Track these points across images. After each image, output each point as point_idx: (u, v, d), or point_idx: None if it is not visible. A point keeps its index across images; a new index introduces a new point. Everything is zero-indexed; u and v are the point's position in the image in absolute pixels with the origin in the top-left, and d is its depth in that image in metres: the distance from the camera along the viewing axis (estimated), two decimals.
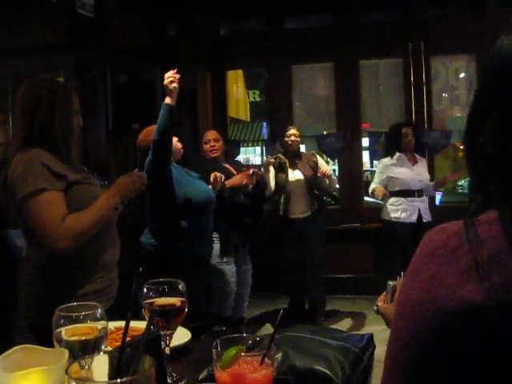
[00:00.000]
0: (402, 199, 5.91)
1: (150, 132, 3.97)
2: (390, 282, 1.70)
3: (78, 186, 2.39)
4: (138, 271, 1.43)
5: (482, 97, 0.86)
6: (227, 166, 5.19)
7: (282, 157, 5.84)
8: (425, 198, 5.98)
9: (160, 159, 3.72)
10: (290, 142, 5.85)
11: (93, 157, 5.49)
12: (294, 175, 5.81)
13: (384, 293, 1.76)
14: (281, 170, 5.80)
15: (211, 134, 5.24)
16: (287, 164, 5.82)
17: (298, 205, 5.81)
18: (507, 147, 0.79)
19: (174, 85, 3.56)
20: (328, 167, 5.95)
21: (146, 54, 6.82)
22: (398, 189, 5.92)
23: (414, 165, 6.01)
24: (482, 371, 0.72)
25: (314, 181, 5.79)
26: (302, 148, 6.92)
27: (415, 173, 5.94)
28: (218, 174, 4.50)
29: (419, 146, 6.36)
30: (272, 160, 5.70)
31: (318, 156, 6.07)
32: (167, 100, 3.60)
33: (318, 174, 5.76)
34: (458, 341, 0.73)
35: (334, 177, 5.99)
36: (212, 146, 5.10)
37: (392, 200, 5.98)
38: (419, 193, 5.91)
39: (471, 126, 0.86)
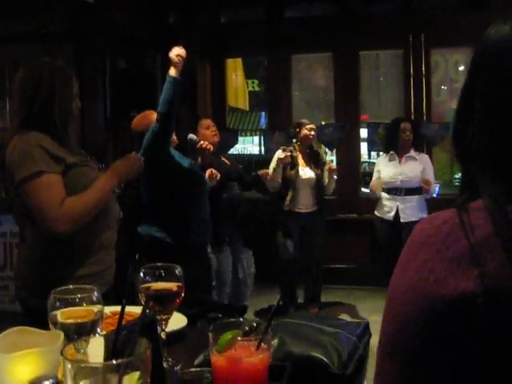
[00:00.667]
0: (386, 196, 5.96)
1: (144, 116, 3.95)
2: None
3: (76, 168, 2.39)
4: (134, 257, 1.43)
5: (468, 89, 0.87)
6: (223, 159, 5.19)
7: (293, 151, 5.81)
8: (410, 197, 5.87)
9: (164, 134, 3.67)
10: (311, 137, 5.82)
11: (91, 143, 5.47)
12: (305, 172, 5.79)
13: None
14: (291, 165, 5.77)
15: (209, 121, 5.23)
16: (298, 160, 5.81)
17: (306, 200, 5.81)
18: (492, 141, 0.81)
19: (180, 58, 3.53)
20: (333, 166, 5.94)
21: (145, 41, 6.80)
22: (384, 186, 5.98)
23: (400, 163, 5.96)
24: (472, 358, 0.72)
25: (321, 177, 5.83)
26: None
27: (398, 171, 5.89)
28: (214, 171, 4.47)
29: (418, 141, 6.31)
30: (287, 156, 5.65)
31: (322, 153, 6.10)
32: (171, 72, 3.56)
33: (325, 170, 5.80)
34: (449, 327, 0.73)
35: (334, 180, 5.95)
36: (213, 132, 5.07)
37: (380, 196, 6.08)
38: (401, 191, 5.87)
39: (459, 119, 0.88)
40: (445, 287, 0.73)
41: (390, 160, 6.00)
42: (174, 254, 3.68)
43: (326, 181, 5.85)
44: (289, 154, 5.69)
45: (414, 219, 5.65)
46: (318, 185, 5.81)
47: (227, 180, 4.92)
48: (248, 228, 5.54)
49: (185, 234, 3.89)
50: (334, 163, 6.81)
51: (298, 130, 5.90)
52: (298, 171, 5.77)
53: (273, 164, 5.75)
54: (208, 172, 4.40)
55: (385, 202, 5.97)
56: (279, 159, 5.64)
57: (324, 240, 6.02)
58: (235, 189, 5.24)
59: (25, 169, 2.28)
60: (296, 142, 5.90)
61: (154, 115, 3.75)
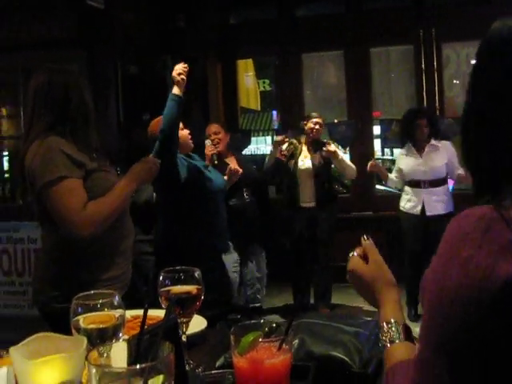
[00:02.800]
0: (410, 189, 5.73)
1: (159, 121, 3.96)
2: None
3: (95, 173, 2.40)
4: (155, 262, 1.44)
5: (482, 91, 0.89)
6: (228, 160, 5.22)
7: (295, 143, 5.80)
8: (436, 189, 5.62)
9: (166, 149, 3.68)
10: (314, 131, 5.75)
11: (104, 148, 5.50)
12: (304, 163, 5.74)
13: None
14: (291, 156, 5.76)
15: (213, 128, 5.35)
16: (298, 151, 5.78)
17: (306, 193, 5.74)
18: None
19: (182, 76, 3.55)
20: (336, 149, 5.78)
21: (155, 44, 6.82)
22: (406, 179, 5.75)
23: (421, 155, 5.69)
24: None
25: (322, 169, 5.72)
26: None
27: (419, 163, 5.64)
28: (234, 167, 4.47)
29: (436, 131, 5.94)
30: (281, 138, 5.70)
31: (333, 144, 5.88)
32: (175, 90, 3.57)
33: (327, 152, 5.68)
34: (502, 319, 0.75)
35: (347, 163, 5.83)
36: (212, 141, 5.20)
37: (404, 190, 5.84)
38: (425, 183, 5.62)
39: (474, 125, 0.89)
40: (493, 281, 0.75)
41: (407, 153, 5.77)
42: (190, 259, 3.68)
43: (339, 167, 5.78)
44: (285, 138, 5.73)
45: (441, 212, 5.50)
46: (316, 176, 5.70)
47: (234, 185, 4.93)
48: (266, 229, 5.58)
49: (199, 235, 3.89)
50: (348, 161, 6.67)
51: (305, 122, 5.88)
52: (297, 162, 5.73)
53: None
54: (229, 168, 4.40)
55: (409, 197, 5.73)
56: (275, 141, 5.73)
57: (332, 237, 5.84)
58: (244, 195, 5.28)
59: (47, 174, 2.29)
60: (303, 134, 5.88)
61: None
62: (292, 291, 5.97)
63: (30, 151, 2.35)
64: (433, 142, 5.73)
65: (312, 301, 5.97)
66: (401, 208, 5.83)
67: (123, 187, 2.46)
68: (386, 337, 1.16)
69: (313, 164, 5.72)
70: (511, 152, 0.84)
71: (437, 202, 5.59)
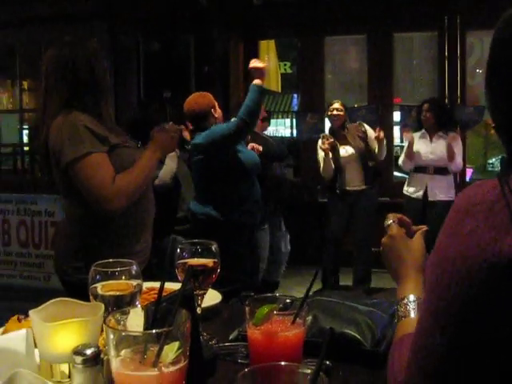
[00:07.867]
0: (415, 174, 6.02)
1: (200, 97, 4.01)
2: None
3: (118, 149, 2.39)
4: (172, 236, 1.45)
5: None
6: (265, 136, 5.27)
7: (328, 136, 5.84)
8: (439, 177, 5.89)
9: (238, 138, 3.78)
10: (333, 117, 5.87)
11: (124, 124, 5.52)
12: (346, 150, 5.81)
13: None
14: (332, 148, 5.80)
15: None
16: (336, 141, 5.82)
17: (353, 178, 5.83)
18: None
19: (262, 67, 3.64)
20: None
21: (178, 23, 6.81)
22: (415, 164, 6.00)
23: (431, 141, 5.94)
24: None
25: (365, 150, 5.81)
26: None
27: (429, 150, 5.90)
28: (255, 145, 4.50)
29: (451, 122, 6.23)
30: (330, 143, 5.71)
31: (365, 124, 5.99)
32: (256, 81, 3.66)
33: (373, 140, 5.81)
34: (500, 293, 0.75)
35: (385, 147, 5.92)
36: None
37: (410, 175, 6.15)
38: (430, 169, 5.89)
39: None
40: (494, 254, 0.75)
41: (420, 137, 6.01)
42: (226, 232, 3.72)
43: (376, 149, 5.85)
44: (331, 140, 5.74)
45: (441, 198, 5.75)
46: (362, 160, 5.80)
47: (270, 159, 4.94)
48: (286, 208, 5.61)
49: (238, 212, 3.92)
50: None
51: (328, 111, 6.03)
52: (338, 151, 5.79)
53: (320, 155, 5.82)
54: (250, 146, 4.42)
55: (414, 181, 6.02)
56: (324, 149, 5.70)
57: (374, 225, 5.78)
58: (278, 169, 5.31)
59: (74, 150, 2.28)
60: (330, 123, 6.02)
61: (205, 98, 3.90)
62: (322, 272, 5.99)
63: (54, 127, 2.34)
64: (440, 133, 5.95)
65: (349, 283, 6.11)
66: (404, 191, 6.10)
67: (148, 158, 2.45)
68: (402, 310, 1.20)
69: (356, 148, 5.80)
70: None
71: (439, 188, 5.84)
